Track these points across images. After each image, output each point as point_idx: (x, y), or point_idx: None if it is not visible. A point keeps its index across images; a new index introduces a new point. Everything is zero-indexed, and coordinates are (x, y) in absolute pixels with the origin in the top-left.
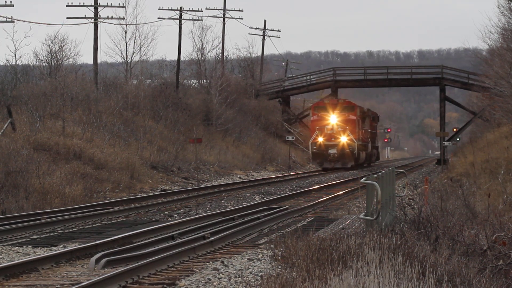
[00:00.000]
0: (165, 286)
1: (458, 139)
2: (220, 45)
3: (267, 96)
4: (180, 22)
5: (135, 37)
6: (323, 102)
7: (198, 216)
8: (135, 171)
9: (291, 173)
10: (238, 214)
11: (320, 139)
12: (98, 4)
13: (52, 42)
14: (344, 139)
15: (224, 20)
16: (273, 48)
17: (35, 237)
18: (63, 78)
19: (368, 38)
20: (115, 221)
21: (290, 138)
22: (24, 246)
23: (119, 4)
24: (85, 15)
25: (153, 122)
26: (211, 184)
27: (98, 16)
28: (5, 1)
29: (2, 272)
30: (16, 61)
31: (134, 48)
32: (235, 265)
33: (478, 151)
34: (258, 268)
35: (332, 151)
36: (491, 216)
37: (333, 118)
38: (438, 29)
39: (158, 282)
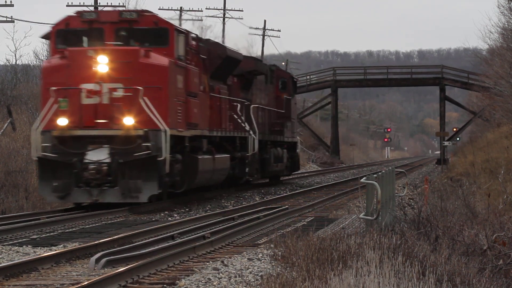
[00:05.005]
0: (165, 286)
1: (458, 139)
2: None
3: None
4: (180, 22)
5: None
6: (79, 17)
7: (198, 216)
8: None
9: None
10: (238, 214)
11: (62, 122)
12: (98, 4)
13: None
14: (129, 122)
15: (224, 20)
16: (273, 48)
17: (35, 237)
18: None
19: (368, 38)
20: (115, 221)
21: None
22: (24, 246)
23: (119, 4)
24: None
25: None
26: None
27: None
28: (5, 1)
29: (2, 272)
30: (16, 61)
31: None
32: (235, 265)
33: (478, 151)
34: (258, 268)
35: (94, 155)
36: (491, 216)
37: (101, 63)
38: (438, 29)
39: (158, 281)
